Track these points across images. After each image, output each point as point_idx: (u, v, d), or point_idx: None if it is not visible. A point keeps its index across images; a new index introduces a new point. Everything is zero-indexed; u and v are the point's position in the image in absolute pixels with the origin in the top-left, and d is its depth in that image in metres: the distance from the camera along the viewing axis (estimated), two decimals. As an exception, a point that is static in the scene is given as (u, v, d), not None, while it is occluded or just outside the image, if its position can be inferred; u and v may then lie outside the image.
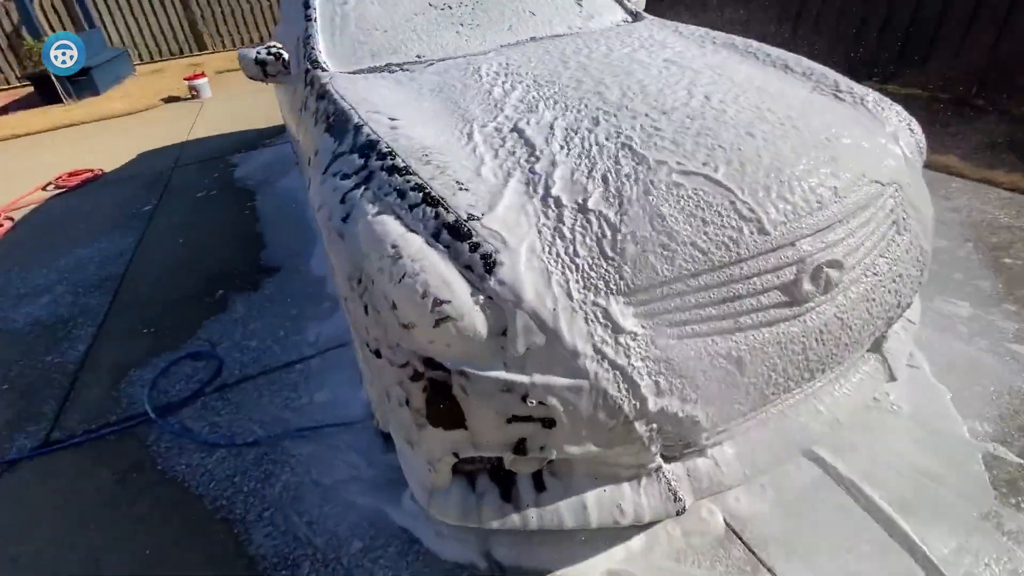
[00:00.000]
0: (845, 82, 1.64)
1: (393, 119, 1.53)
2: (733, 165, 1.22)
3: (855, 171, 1.29)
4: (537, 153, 1.31)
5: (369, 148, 1.40)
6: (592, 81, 1.63)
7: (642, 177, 1.20)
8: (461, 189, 1.21)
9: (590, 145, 1.32)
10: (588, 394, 1.03)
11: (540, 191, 1.20)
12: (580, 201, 1.17)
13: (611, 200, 1.16)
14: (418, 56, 2.05)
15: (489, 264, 1.06)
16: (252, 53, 2.09)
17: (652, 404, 1.06)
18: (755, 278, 1.14)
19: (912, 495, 1.44)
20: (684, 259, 1.10)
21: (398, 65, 1.99)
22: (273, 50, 2.09)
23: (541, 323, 1.03)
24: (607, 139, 1.33)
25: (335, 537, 1.47)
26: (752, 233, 1.14)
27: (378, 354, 1.17)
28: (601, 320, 1.06)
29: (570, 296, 1.06)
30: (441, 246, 1.10)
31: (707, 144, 1.28)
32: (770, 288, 1.15)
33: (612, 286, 1.08)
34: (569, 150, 1.31)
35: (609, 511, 1.20)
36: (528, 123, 1.44)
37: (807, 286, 1.17)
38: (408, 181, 1.24)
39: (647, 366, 1.06)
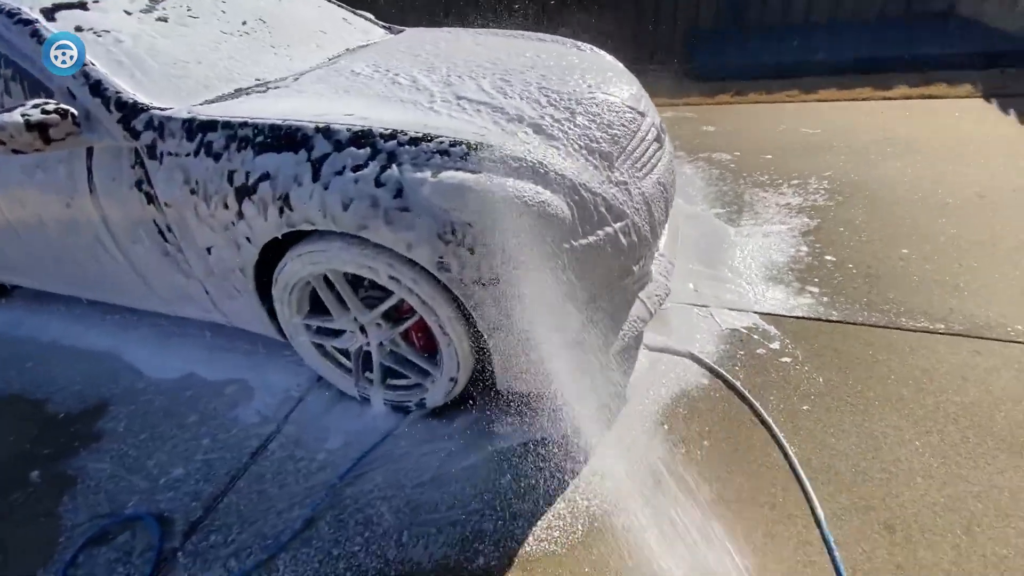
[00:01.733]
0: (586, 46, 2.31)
1: (347, 114, 1.44)
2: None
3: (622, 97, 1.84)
4: (494, 104, 1.56)
5: (364, 136, 1.34)
6: (446, 60, 1.88)
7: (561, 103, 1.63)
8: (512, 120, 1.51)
9: (507, 91, 1.64)
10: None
11: (528, 129, 1.48)
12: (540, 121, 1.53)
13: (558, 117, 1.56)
14: (257, 79, 1.84)
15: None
16: (14, 118, 1.49)
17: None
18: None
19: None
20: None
21: (262, 86, 1.79)
22: (51, 106, 1.54)
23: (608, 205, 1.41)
24: (514, 86, 1.67)
25: None
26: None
27: (496, 280, 1.31)
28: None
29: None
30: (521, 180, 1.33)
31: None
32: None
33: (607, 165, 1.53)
34: (504, 96, 1.60)
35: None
36: (462, 91, 1.62)
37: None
38: (442, 142, 1.31)
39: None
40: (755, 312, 2.06)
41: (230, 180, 1.44)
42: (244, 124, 1.46)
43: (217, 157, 1.46)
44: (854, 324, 1.96)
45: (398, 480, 1.55)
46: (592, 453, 1.56)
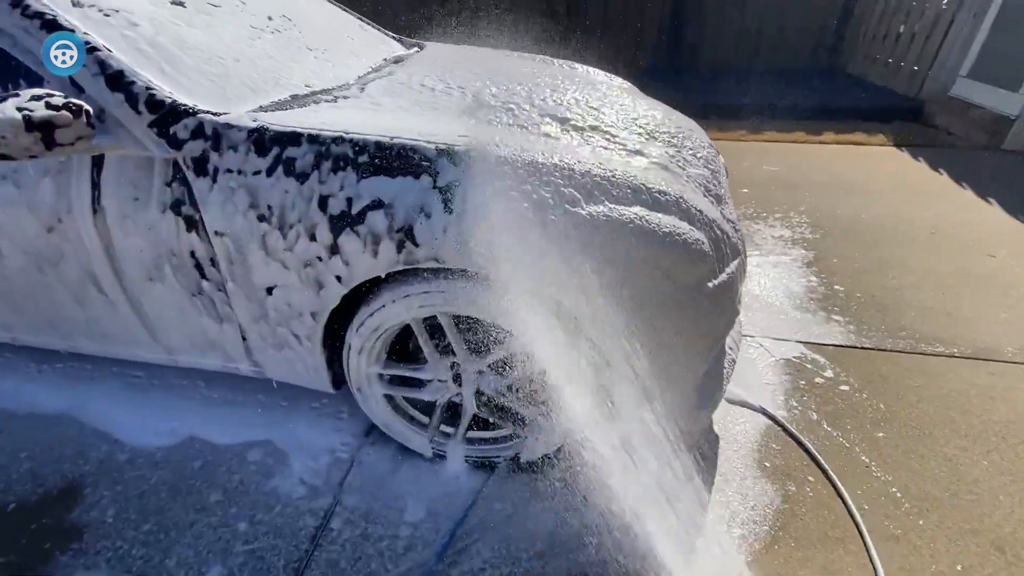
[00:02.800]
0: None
1: (461, 135, 1.26)
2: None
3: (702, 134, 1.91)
4: (610, 133, 1.48)
5: (505, 163, 1.18)
6: (508, 79, 1.77)
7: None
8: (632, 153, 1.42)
9: (606, 119, 1.58)
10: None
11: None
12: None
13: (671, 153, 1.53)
14: (308, 85, 1.57)
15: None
16: (8, 113, 1.10)
17: None
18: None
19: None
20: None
21: (324, 93, 1.54)
22: (59, 100, 1.16)
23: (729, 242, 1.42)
24: (608, 115, 1.61)
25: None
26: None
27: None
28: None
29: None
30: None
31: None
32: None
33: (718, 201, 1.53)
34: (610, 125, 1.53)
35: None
36: (559, 113, 1.52)
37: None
38: (614, 172, 1.24)
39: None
40: (798, 341, 2.14)
41: (322, 207, 1.19)
42: (339, 139, 1.22)
43: (302, 178, 1.20)
44: (885, 351, 2.10)
45: (510, 552, 1.34)
46: (711, 502, 1.48)
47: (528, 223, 1.13)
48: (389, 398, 1.50)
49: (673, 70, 6.55)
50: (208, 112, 1.27)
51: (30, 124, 1.13)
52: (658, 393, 1.27)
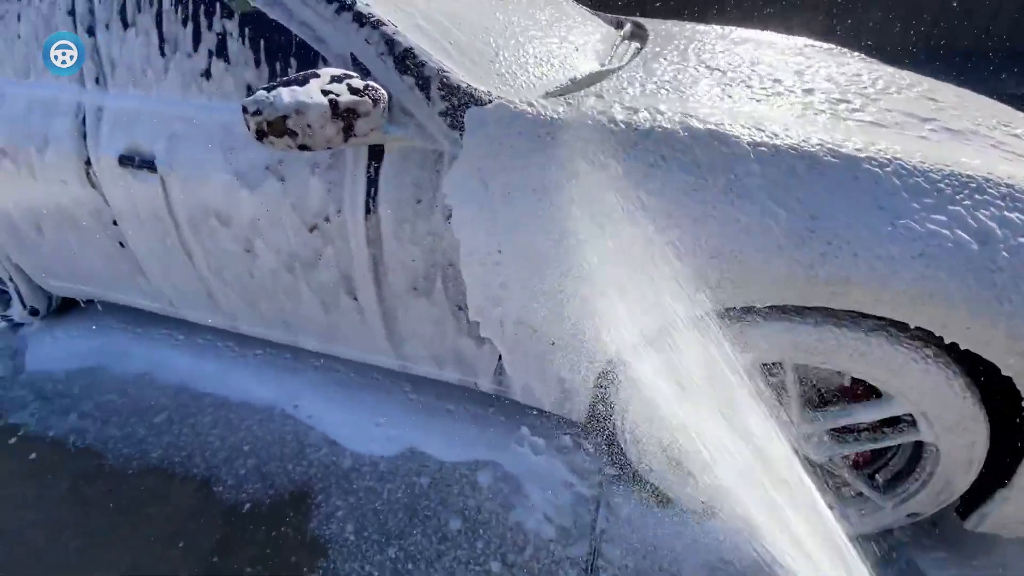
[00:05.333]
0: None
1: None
2: None
3: None
4: None
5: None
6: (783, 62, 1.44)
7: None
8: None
9: None
10: None
11: None
12: None
13: None
14: (568, 65, 1.35)
15: None
16: (315, 98, 0.96)
17: None
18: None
19: None
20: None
21: (594, 77, 1.28)
22: (359, 83, 1.01)
23: None
24: None
25: None
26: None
27: None
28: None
29: None
30: None
31: None
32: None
33: None
34: None
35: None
36: None
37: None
38: None
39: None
40: None
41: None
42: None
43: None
44: None
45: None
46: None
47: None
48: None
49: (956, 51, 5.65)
50: (509, 100, 1.08)
51: (336, 110, 0.98)
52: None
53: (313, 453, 1.57)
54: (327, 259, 1.28)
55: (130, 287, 1.73)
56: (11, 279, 1.98)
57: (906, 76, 1.54)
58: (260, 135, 0.95)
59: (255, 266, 1.37)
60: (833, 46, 1.98)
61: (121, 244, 1.56)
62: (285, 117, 0.94)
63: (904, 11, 5.46)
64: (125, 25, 1.32)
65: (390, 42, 1.10)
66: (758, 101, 1.17)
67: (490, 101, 1.07)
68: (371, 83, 1.04)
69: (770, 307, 0.99)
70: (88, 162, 1.41)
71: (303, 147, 0.99)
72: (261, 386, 1.80)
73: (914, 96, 1.33)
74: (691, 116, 1.03)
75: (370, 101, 1.02)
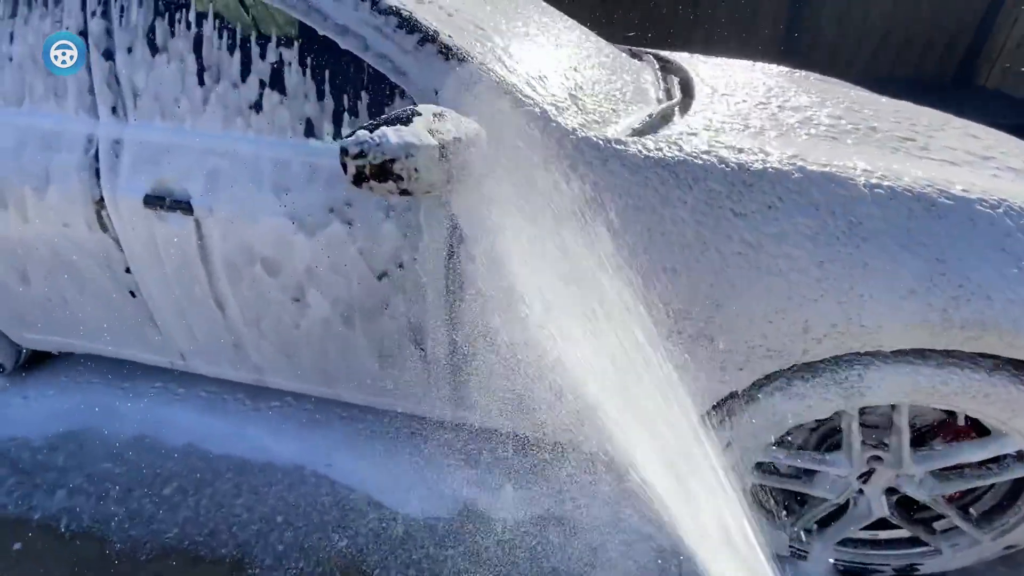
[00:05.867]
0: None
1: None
2: None
3: None
4: None
5: None
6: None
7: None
8: None
9: None
10: None
11: None
12: None
13: None
14: (630, 100, 1.31)
15: None
16: (423, 138, 0.85)
17: None
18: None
19: None
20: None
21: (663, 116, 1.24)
22: (451, 121, 0.92)
23: None
24: None
25: None
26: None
27: None
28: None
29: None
30: None
31: None
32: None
33: None
34: None
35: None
36: None
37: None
38: None
39: None
40: None
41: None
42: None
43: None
44: None
45: None
46: None
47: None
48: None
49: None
50: (603, 137, 1.02)
51: (443, 152, 0.88)
52: None
53: (358, 520, 1.41)
54: (395, 308, 1.16)
55: (133, 339, 1.52)
56: (-24, 334, 1.71)
57: (927, 112, 1.60)
58: (359, 179, 0.85)
59: (303, 316, 1.23)
60: (834, 79, 2.07)
61: (132, 293, 1.37)
62: (392, 160, 0.84)
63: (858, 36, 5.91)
64: (154, 50, 1.17)
65: (474, 74, 1.02)
66: (835, 139, 1.17)
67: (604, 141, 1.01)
68: (464, 119, 0.95)
69: (894, 351, 0.97)
70: (100, 202, 1.24)
71: (404, 192, 0.89)
72: (284, 444, 1.62)
73: (957, 134, 1.37)
74: (798, 157, 1.01)
75: (465, 141, 0.93)
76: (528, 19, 1.42)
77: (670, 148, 1.01)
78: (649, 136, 1.07)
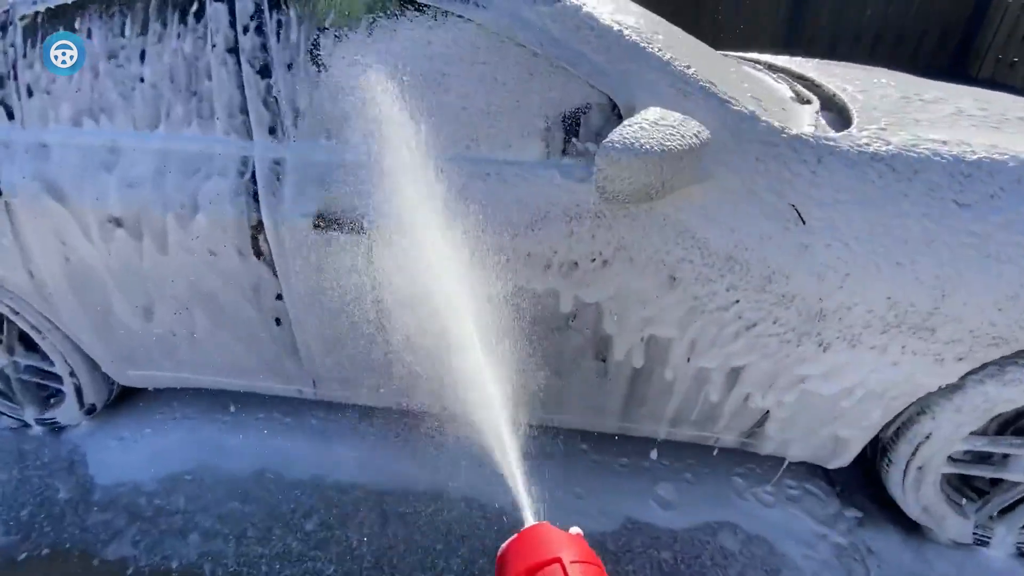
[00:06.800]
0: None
1: None
2: None
3: None
4: None
5: None
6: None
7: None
8: None
9: None
10: None
11: None
12: None
13: None
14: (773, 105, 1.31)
15: None
16: (668, 144, 0.83)
17: None
18: None
19: None
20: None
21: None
22: (692, 125, 0.89)
23: None
24: None
25: None
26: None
27: None
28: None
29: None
30: None
31: None
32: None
33: None
34: None
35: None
36: None
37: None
38: None
39: None
40: None
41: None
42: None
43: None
44: None
45: None
46: None
47: None
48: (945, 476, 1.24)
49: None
50: (813, 135, 1.01)
51: (679, 154, 0.86)
52: None
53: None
54: (583, 318, 1.13)
55: (263, 369, 1.45)
56: (72, 374, 1.61)
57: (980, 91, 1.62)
58: (606, 191, 0.82)
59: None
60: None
61: (278, 321, 1.30)
62: (642, 168, 0.81)
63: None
64: (318, 67, 1.12)
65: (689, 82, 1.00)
66: (996, 128, 1.18)
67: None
68: (695, 122, 0.93)
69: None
70: (258, 227, 1.17)
71: (646, 197, 0.86)
72: (422, 468, 1.56)
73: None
74: (997, 147, 1.01)
75: (698, 143, 0.91)
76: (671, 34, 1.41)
77: (879, 143, 1.01)
78: (843, 133, 1.06)
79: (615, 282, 1.08)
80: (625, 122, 0.87)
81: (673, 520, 1.40)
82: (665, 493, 1.46)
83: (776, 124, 1.02)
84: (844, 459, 1.26)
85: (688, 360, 1.14)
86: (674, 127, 0.87)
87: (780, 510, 1.41)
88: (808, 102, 1.30)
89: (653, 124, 0.86)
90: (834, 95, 1.36)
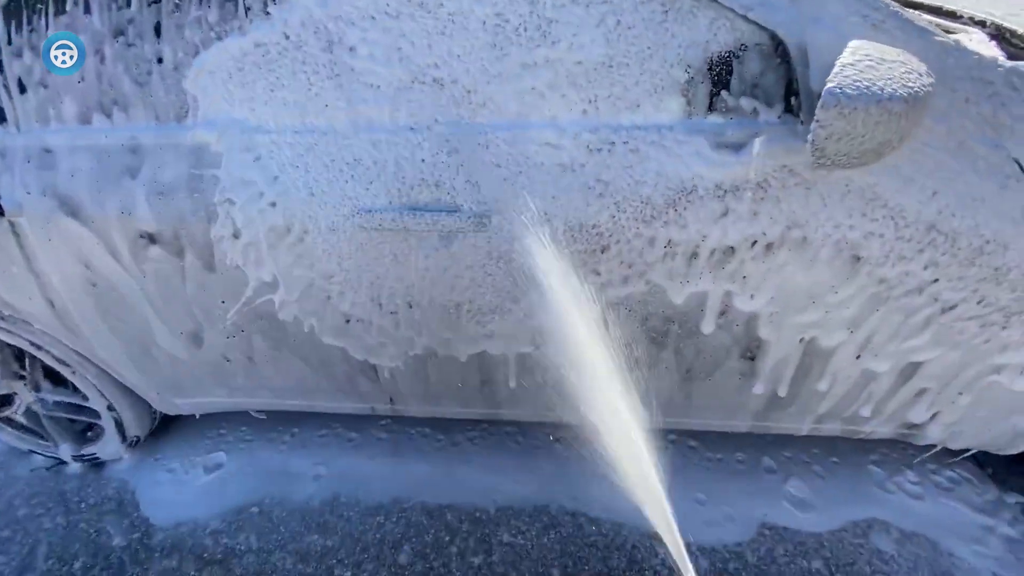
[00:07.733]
0: None
1: None
2: None
3: None
4: None
5: None
6: None
7: None
8: None
9: None
10: None
11: None
12: None
13: None
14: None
15: None
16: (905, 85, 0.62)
17: None
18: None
19: None
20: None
21: None
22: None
23: None
24: None
25: None
26: None
27: None
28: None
29: None
30: None
31: None
32: None
33: None
34: None
35: None
36: None
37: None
38: None
39: None
40: None
41: None
42: None
43: None
44: None
45: None
46: None
47: None
48: None
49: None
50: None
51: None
52: None
53: (650, 558, 1.22)
54: (732, 314, 0.93)
55: (332, 389, 1.26)
56: (111, 408, 1.42)
57: None
58: (826, 153, 0.61)
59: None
60: None
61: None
62: (883, 119, 0.60)
63: None
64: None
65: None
66: None
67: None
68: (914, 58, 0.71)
69: None
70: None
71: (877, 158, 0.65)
72: (516, 482, 1.39)
73: None
74: None
75: (933, 84, 0.69)
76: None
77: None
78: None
79: (780, 272, 0.88)
80: (842, 60, 0.65)
81: (814, 522, 1.24)
82: (797, 491, 1.31)
83: (988, 55, 0.80)
84: (1022, 447, 1.09)
85: (857, 358, 0.96)
86: (906, 65, 0.65)
87: (932, 502, 1.25)
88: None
89: (880, 61, 0.64)
90: (991, 22, 1.12)
